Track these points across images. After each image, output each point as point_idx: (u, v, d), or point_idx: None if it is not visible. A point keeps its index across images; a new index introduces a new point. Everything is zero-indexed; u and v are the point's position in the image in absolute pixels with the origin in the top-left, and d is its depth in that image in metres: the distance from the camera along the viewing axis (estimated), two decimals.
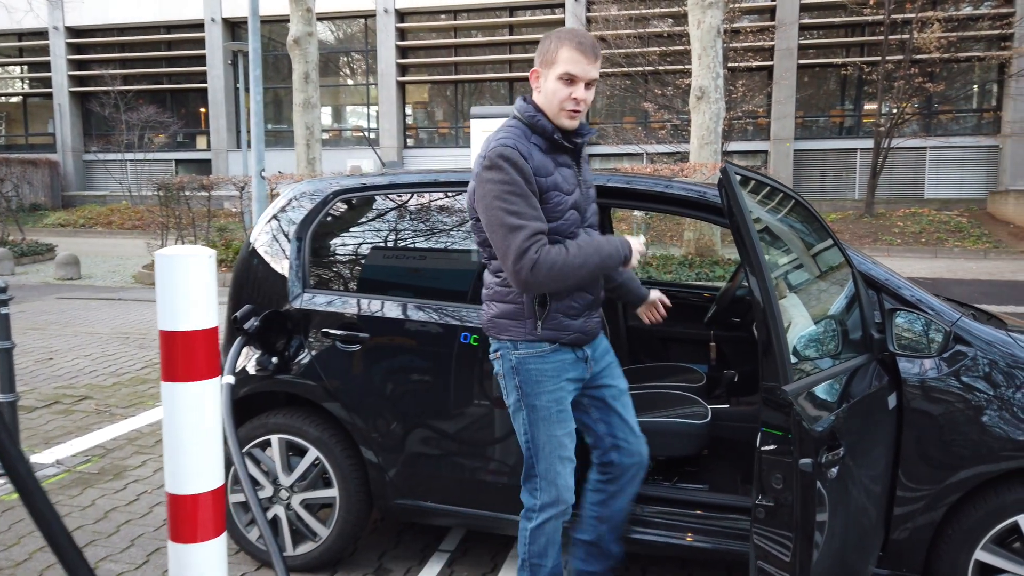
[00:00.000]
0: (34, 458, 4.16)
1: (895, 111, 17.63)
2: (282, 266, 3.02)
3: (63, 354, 6.65)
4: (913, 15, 17.13)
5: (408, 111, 24.00)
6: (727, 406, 3.44)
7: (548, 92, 2.23)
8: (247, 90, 17.97)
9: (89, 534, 3.30)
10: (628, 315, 3.74)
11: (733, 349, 3.78)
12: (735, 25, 18.45)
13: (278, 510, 2.97)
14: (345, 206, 3.08)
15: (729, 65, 16.93)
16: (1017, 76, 18.19)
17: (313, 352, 2.92)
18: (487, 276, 2.38)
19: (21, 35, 25.80)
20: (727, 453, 3.26)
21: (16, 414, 3.99)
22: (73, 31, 25.33)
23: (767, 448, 2.00)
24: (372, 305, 2.89)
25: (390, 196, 3.02)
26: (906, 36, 17.33)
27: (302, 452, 2.95)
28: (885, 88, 17.61)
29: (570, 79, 2.19)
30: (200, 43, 24.10)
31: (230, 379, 2.75)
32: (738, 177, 2.12)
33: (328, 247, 3.07)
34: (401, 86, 23.27)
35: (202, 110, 25.10)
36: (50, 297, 10.02)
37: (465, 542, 3.26)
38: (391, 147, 22.85)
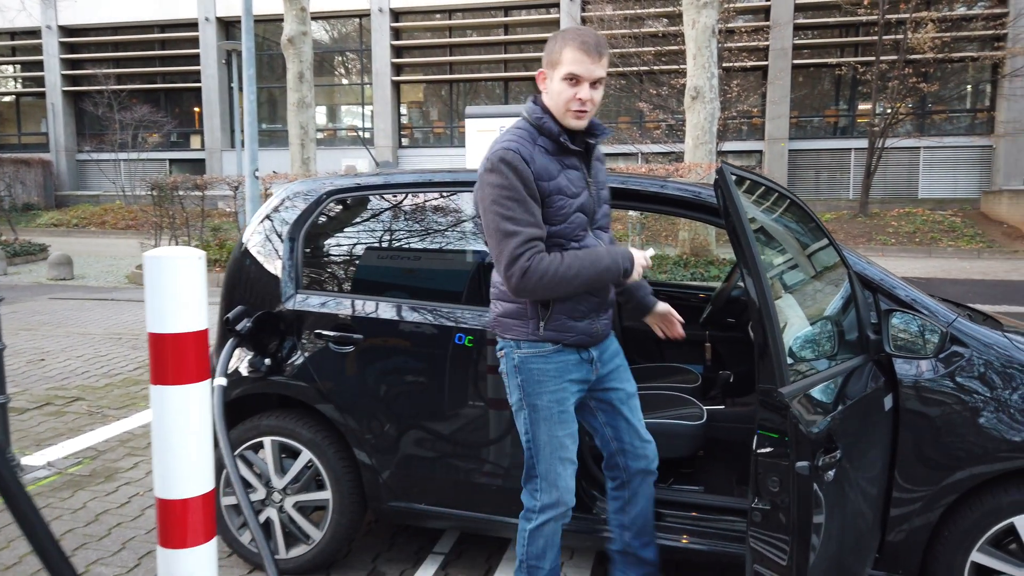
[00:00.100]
0: (25, 460, 4.12)
1: (889, 111, 17.68)
2: (275, 266, 3.00)
3: (55, 355, 6.61)
4: (907, 15, 17.20)
5: (403, 111, 23.99)
6: (722, 407, 3.44)
7: (554, 93, 2.22)
8: (241, 89, 17.91)
9: (80, 537, 3.28)
10: (623, 315, 3.72)
11: (728, 350, 3.77)
12: (730, 25, 18.47)
13: (271, 513, 2.94)
14: (339, 206, 3.06)
15: (724, 65, 16.96)
16: (1011, 76, 18.27)
17: (306, 353, 2.90)
18: (494, 275, 2.37)
19: (14, 34, 25.73)
20: (723, 454, 3.25)
21: (7, 416, 3.96)
22: (66, 30, 25.24)
23: (763, 451, 1.99)
24: (366, 306, 2.87)
25: (384, 196, 3.00)
26: (900, 36, 17.39)
27: (295, 454, 2.92)
28: (879, 88, 17.66)
29: (574, 79, 2.17)
30: (194, 42, 24.06)
31: (222, 381, 2.73)
32: (734, 177, 2.10)
33: (321, 247, 3.05)
34: (396, 86, 23.24)
35: (196, 109, 25.04)
36: (42, 297, 9.96)
37: (459, 544, 3.24)
38: (386, 147, 22.83)
